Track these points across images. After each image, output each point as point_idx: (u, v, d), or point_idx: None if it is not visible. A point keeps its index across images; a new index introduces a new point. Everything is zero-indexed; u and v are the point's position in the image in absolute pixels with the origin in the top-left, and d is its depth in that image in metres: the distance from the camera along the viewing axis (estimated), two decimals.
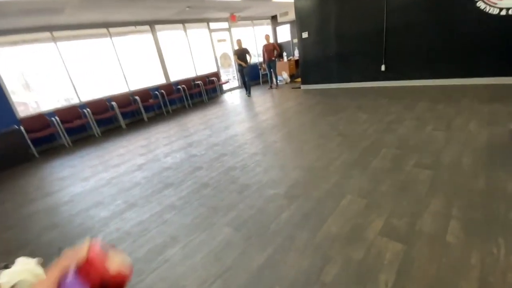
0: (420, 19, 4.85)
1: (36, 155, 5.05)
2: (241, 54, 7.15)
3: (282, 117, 4.63)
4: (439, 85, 4.93)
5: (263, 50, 7.84)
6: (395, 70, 5.46)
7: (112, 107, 6.06)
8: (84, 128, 5.86)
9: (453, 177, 2.08)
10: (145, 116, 6.53)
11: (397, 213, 1.77)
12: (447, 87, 4.69)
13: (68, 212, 2.64)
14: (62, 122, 5.39)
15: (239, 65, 7.22)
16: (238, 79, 9.37)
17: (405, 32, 5.09)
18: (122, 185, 2.99)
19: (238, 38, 7.46)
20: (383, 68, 5.58)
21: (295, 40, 10.06)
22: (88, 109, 5.68)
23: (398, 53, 5.31)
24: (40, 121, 5.26)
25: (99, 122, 5.99)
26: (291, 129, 3.89)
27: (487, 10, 4.21)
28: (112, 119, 6.26)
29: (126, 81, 6.53)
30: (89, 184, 3.19)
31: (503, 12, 4.09)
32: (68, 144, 5.43)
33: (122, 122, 6.17)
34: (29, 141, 4.93)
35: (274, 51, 7.76)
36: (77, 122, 5.54)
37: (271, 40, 10.51)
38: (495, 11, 4.15)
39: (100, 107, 5.99)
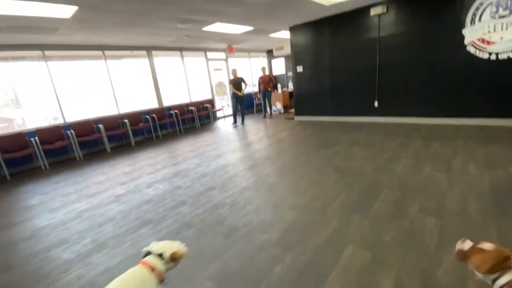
0: (411, 59, 5.00)
1: (8, 177, 4.63)
2: (236, 83, 7.18)
3: (276, 148, 4.46)
4: (431, 123, 4.95)
5: (259, 81, 8.01)
6: (388, 107, 5.51)
7: (98, 130, 5.79)
8: (65, 150, 5.51)
9: (462, 226, 1.89)
10: (132, 140, 6.26)
11: (407, 271, 1.54)
12: (439, 126, 4.70)
13: (27, 251, 2.26)
14: (42, 142, 5.06)
15: (234, 93, 7.21)
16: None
17: (397, 71, 5.22)
18: (94, 219, 2.65)
19: (233, 68, 7.53)
20: (376, 104, 5.63)
21: (289, 73, 10.33)
22: (72, 131, 5.39)
23: (390, 90, 5.39)
24: (17, 141, 4.91)
25: (83, 145, 5.68)
26: (285, 161, 3.71)
27: (477, 54, 4.37)
28: (97, 142, 5.96)
29: (116, 103, 6.35)
30: (57, 217, 2.83)
31: (493, 57, 4.25)
32: (45, 167, 5.04)
33: (107, 146, 5.87)
34: (1, 162, 4.55)
35: (270, 82, 7.97)
36: (59, 144, 5.21)
37: (267, 72, 10.78)
38: (485, 55, 4.30)
39: (85, 128, 5.71)
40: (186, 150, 5.05)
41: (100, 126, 5.75)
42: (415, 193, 2.43)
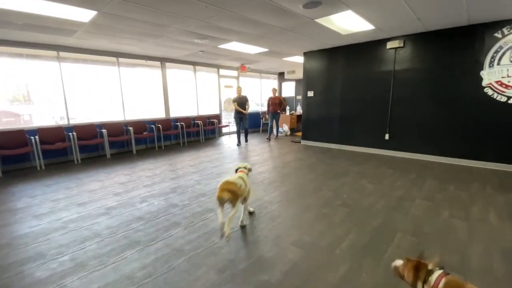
0: (426, 95, 4.90)
1: (0, 174, 4.47)
2: (241, 102, 6.90)
3: (281, 172, 4.26)
4: (444, 162, 4.75)
5: (268, 102, 7.90)
6: (399, 141, 5.35)
7: (101, 134, 5.68)
8: (64, 152, 5.38)
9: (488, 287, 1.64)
10: (134, 148, 6.12)
11: None
12: (452, 166, 4.49)
13: None
14: (42, 142, 4.94)
15: (238, 112, 6.92)
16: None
17: (411, 105, 5.11)
18: (78, 233, 2.43)
19: (239, 86, 7.36)
20: (386, 137, 5.48)
21: (298, 97, 10.35)
22: (74, 133, 5.29)
23: (402, 124, 5.26)
24: (17, 138, 4.80)
25: (83, 148, 5.55)
26: (289, 188, 3.49)
27: (495, 96, 4.25)
28: (98, 147, 5.83)
29: (123, 110, 6.29)
30: (41, 225, 2.62)
31: (511, 101, 4.12)
32: (41, 168, 4.87)
33: (108, 152, 5.72)
34: None
35: (280, 104, 7.85)
36: (59, 145, 5.08)
37: (277, 94, 10.83)
38: (503, 99, 4.18)
39: (88, 132, 5.61)
40: (187, 164, 4.87)
41: (104, 131, 5.64)
42: (433, 241, 2.19)
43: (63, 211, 2.95)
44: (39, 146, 4.83)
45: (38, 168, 4.85)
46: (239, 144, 7.03)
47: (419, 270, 1.25)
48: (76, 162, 5.27)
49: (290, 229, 2.41)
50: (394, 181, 3.77)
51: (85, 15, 3.50)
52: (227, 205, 2.18)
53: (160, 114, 7.07)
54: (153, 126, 6.56)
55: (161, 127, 6.62)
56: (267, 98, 7.93)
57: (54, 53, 5.24)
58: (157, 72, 6.93)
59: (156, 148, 6.54)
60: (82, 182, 3.96)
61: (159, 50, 5.89)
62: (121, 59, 6.15)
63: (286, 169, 4.43)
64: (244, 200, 2.44)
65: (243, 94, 6.97)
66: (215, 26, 4.08)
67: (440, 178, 3.88)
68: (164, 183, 3.83)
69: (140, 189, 3.58)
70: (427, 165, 4.59)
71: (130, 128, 6.05)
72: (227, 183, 2.21)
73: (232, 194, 2.11)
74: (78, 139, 5.35)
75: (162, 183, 3.81)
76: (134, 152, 6.10)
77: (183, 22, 3.89)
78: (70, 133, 5.27)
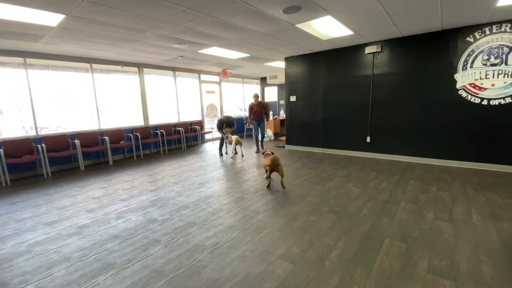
0: (405, 99, 5.03)
1: None
2: (229, 123, 6.39)
3: (266, 180, 4.16)
4: (424, 163, 4.86)
5: (251, 109, 6.69)
6: (380, 143, 5.43)
7: (74, 145, 5.33)
8: (33, 165, 4.98)
9: None
10: (111, 159, 5.79)
11: None
12: (433, 167, 4.60)
13: None
14: (8, 156, 4.54)
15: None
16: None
17: (390, 108, 5.22)
18: (45, 257, 2.19)
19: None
20: (368, 139, 5.56)
21: (281, 101, 10.38)
22: (43, 144, 4.91)
23: (383, 127, 5.35)
24: None
25: (54, 161, 5.17)
26: (276, 196, 3.40)
27: (469, 98, 4.42)
28: (71, 159, 5.46)
29: (98, 118, 5.96)
30: (3, 250, 2.33)
31: (484, 102, 4.30)
32: (6, 183, 4.47)
33: (82, 163, 5.37)
34: None
35: (262, 111, 6.65)
36: (26, 158, 4.69)
37: (260, 98, 10.79)
38: (477, 100, 4.36)
39: (59, 143, 5.24)
40: (168, 174, 4.66)
41: (77, 141, 5.29)
42: (421, 246, 2.17)
43: (29, 232, 2.67)
44: (3, 160, 4.43)
45: (4, 184, 4.44)
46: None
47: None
48: (46, 176, 4.89)
49: (277, 241, 2.31)
50: (379, 183, 3.78)
51: (52, 19, 3.26)
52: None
53: (138, 121, 6.78)
54: (131, 134, 6.27)
55: (139, 135, 6.34)
56: (248, 104, 6.95)
57: (20, 59, 4.87)
58: (135, 78, 6.66)
59: (135, 158, 6.24)
60: (51, 199, 3.64)
61: (136, 55, 5.65)
62: (95, 65, 5.84)
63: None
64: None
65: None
66: (194, 30, 3.96)
67: (422, 179, 3.95)
68: (143, 195, 3.60)
69: (116, 204, 3.34)
70: (408, 167, 4.67)
71: (106, 137, 5.73)
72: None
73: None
74: (48, 150, 4.98)
75: (140, 196, 3.58)
76: (111, 162, 5.77)
77: (160, 27, 3.74)
78: (39, 145, 4.89)
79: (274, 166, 3.64)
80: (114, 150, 6.10)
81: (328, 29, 4.23)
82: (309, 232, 2.44)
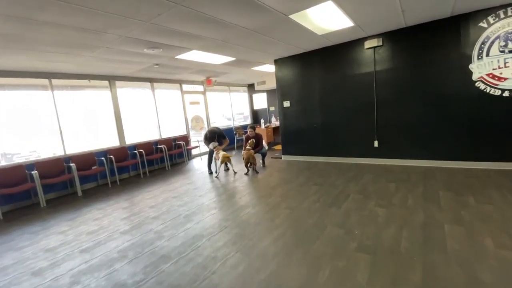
0: (413, 95, 4.48)
1: None
2: (218, 138, 5.63)
3: (268, 204, 3.42)
4: (442, 167, 4.28)
5: (246, 141, 5.56)
6: (390, 147, 4.84)
7: (31, 177, 4.41)
8: None
9: None
10: (79, 189, 4.89)
11: None
12: (454, 171, 4.02)
13: None
14: None
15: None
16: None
17: (398, 108, 4.65)
18: None
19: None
20: (376, 144, 4.95)
21: (272, 108, 9.76)
22: None
23: (392, 129, 4.77)
24: None
25: (6, 198, 4.24)
26: (284, 230, 2.65)
27: (488, 91, 3.90)
28: (30, 194, 4.53)
29: (62, 142, 5.07)
30: None
31: (506, 94, 3.78)
32: None
33: (42, 198, 4.44)
34: None
35: (258, 143, 5.67)
36: None
37: (249, 106, 10.12)
38: (497, 92, 3.84)
39: (12, 176, 4.31)
40: (146, 205, 3.83)
41: (34, 172, 4.38)
42: None
43: None
44: None
45: None
46: (210, 172, 5.61)
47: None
48: None
49: None
50: (404, 199, 3.12)
51: None
52: None
53: (113, 142, 5.91)
54: (103, 158, 5.39)
55: (113, 158, 5.47)
56: (244, 136, 5.74)
57: None
58: (106, 93, 5.82)
59: (110, 185, 5.34)
60: None
61: (103, 66, 4.86)
62: (55, 81, 4.99)
63: (273, 199, 3.60)
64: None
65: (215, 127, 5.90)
66: (166, 29, 3.23)
67: (450, 188, 3.33)
68: (112, 241, 2.77)
69: (75, 258, 2.50)
70: (427, 173, 4.07)
71: (72, 164, 4.83)
72: None
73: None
74: (0, 186, 4.06)
75: (108, 243, 2.75)
76: (80, 193, 4.86)
77: (122, 25, 2.99)
78: None
79: (251, 159, 5.12)
80: (85, 178, 5.20)
81: (326, 20, 3.63)
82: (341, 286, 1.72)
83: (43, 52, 3.67)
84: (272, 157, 6.57)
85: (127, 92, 6.25)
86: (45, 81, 4.89)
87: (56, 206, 4.29)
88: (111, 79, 5.82)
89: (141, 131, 6.52)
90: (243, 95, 10.35)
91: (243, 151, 5.50)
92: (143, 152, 6.04)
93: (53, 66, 4.47)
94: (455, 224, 2.43)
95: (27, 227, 3.47)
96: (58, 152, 5.05)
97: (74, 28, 2.92)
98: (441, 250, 2.05)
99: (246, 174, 5.17)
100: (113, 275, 2.14)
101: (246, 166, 5.23)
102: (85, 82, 5.46)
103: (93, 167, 5.28)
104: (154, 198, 4.13)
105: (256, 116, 10.51)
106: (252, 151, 5.28)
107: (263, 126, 8.73)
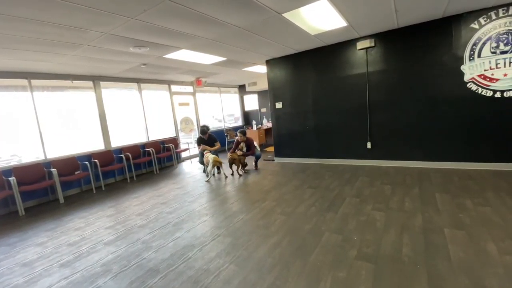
0: (406, 97, 4.46)
1: None
2: (209, 142, 5.60)
3: (263, 210, 3.28)
4: (436, 168, 4.27)
5: (236, 145, 5.50)
6: (383, 149, 4.80)
7: (9, 184, 4.11)
8: None
9: None
10: (61, 196, 4.60)
11: None
12: (448, 172, 4.01)
13: None
14: None
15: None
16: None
17: (390, 109, 4.62)
18: None
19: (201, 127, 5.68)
20: (369, 145, 4.91)
21: (263, 109, 9.66)
22: None
23: (384, 130, 4.73)
24: None
25: None
26: (281, 238, 2.52)
27: (480, 92, 3.91)
28: (7, 202, 4.22)
29: (43, 146, 4.77)
30: None
31: (497, 95, 3.80)
32: None
33: (21, 207, 4.14)
34: None
35: (249, 148, 5.50)
36: None
37: (240, 108, 9.98)
38: (488, 93, 3.85)
39: None
40: (133, 213, 3.62)
41: (12, 179, 4.09)
42: None
43: None
44: None
45: None
46: (208, 178, 5.21)
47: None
48: None
49: None
50: (401, 202, 3.06)
51: None
52: None
53: (98, 145, 5.64)
54: (87, 162, 5.11)
55: (98, 163, 5.20)
56: (234, 141, 5.59)
57: None
58: (90, 94, 5.55)
59: (94, 191, 5.07)
60: None
61: (86, 65, 4.61)
62: (34, 81, 4.70)
63: (267, 203, 3.47)
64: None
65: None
66: (153, 26, 3.06)
67: (446, 190, 3.29)
68: (95, 254, 2.57)
69: (53, 274, 2.28)
70: (422, 174, 4.04)
71: (53, 169, 4.55)
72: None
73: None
74: None
75: (91, 255, 2.54)
76: (62, 201, 4.58)
77: (105, 22, 2.80)
78: None
79: (232, 160, 5.14)
80: (67, 184, 4.91)
81: (319, 20, 3.54)
82: None
83: (20, 51, 3.42)
84: (264, 159, 6.44)
85: (112, 93, 6.00)
86: (23, 82, 4.60)
87: (35, 215, 4.01)
88: (96, 79, 5.55)
89: (127, 134, 6.26)
90: (234, 96, 10.20)
91: (228, 153, 5.36)
92: (130, 155, 5.79)
93: (32, 65, 4.20)
94: (455, 228, 2.37)
95: (3, 239, 3.20)
96: (39, 157, 4.75)
97: (52, 24, 2.70)
98: (444, 257, 1.97)
99: (230, 175, 5.24)
100: None
101: (230, 167, 5.29)
102: (67, 82, 5.18)
103: (76, 172, 5.01)
104: (141, 205, 3.92)
105: (247, 117, 10.37)
106: (235, 153, 5.24)
107: (254, 128, 8.60)
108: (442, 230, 2.35)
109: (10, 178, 4.11)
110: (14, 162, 4.52)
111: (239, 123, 10.33)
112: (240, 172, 5.23)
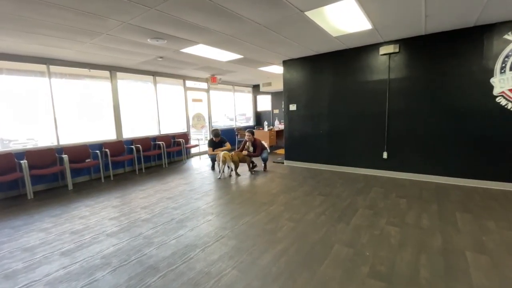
0: (428, 107, 4.24)
1: None
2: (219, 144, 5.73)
3: (270, 213, 3.17)
4: (456, 184, 4.03)
5: (243, 146, 5.59)
6: (399, 160, 4.59)
7: (20, 168, 4.16)
8: None
9: None
10: (70, 182, 4.64)
11: None
12: (469, 189, 3.77)
13: None
14: None
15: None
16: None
17: (410, 119, 4.41)
18: None
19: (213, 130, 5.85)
20: (385, 155, 4.70)
21: (276, 111, 9.53)
22: None
23: (402, 141, 4.52)
24: None
25: None
26: (287, 246, 2.40)
27: (509, 107, 3.66)
28: (17, 184, 4.28)
29: (56, 132, 4.82)
30: None
31: None
32: None
33: (30, 190, 4.18)
34: None
35: (255, 149, 5.44)
36: None
37: (252, 107, 9.89)
38: None
39: (1, 165, 4.07)
40: (138, 205, 3.58)
41: (23, 162, 4.13)
42: None
43: None
44: None
45: None
46: (220, 176, 5.29)
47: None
48: None
49: None
50: (418, 218, 2.87)
51: None
52: None
53: (110, 135, 5.67)
54: (98, 151, 5.14)
55: (109, 152, 5.22)
56: (243, 140, 5.64)
57: None
58: (106, 84, 5.59)
59: (103, 180, 5.09)
60: None
61: (104, 55, 4.63)
62: (53, 67, 4.76)
63: (275, 207, 3.35)
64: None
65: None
66: (172, 18, 3.00)
67: (467, 209, 3.08)
68: (96, 244, 2.52)
69: (52, 262, 2.24)
70: (440, 190, 3.82)
71: (64, 155, 4.59)
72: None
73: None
74: None
75: (92, 246, 2.50)
76: (70, 187, 4.61)
77: (124, 10, 2.76)
78: None
79: (224, 159, 4.94)
80: (77, 171, 4.95)
81: (343, 21, 3.40)
82: None
83: (40, 35, 3.44)
84: (273, 162, 6.32)
85: (128, 85, 6.03)
86: (43, 67, 4.66)
87: (43, 199, 4.03)
88: (112, 69, 5.59)
89: (139, 126, 6.29)
90: (247, 96, 10.12)
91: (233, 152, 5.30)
92: (140, 147, 5.79)
93: (51, 51, 4.24)
94: (477, 252, 2.18)
95: (9, 221, 3.22)
96: (52, 142, 4.81)
97: (73, 10, 2.69)
98: (465, 282, 1.80)
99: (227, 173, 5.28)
100: (93, 286, 1.89)
101: (218, 165, 5.17)
102: (84, 71, 5.23)
103: (86, 160, 5.04)
104: (147, 198, 3.88)
105: (259, 118, 10.28)
106: (235, 153, 5.21)
107: (266, 128, 8.49)
108: (464, 253, 2.17)
109: (22, 161, 4.16)
110: (30, 145, 4.60)
111: (251, 122, 10.24)
112: (238, 173, 5.17)
